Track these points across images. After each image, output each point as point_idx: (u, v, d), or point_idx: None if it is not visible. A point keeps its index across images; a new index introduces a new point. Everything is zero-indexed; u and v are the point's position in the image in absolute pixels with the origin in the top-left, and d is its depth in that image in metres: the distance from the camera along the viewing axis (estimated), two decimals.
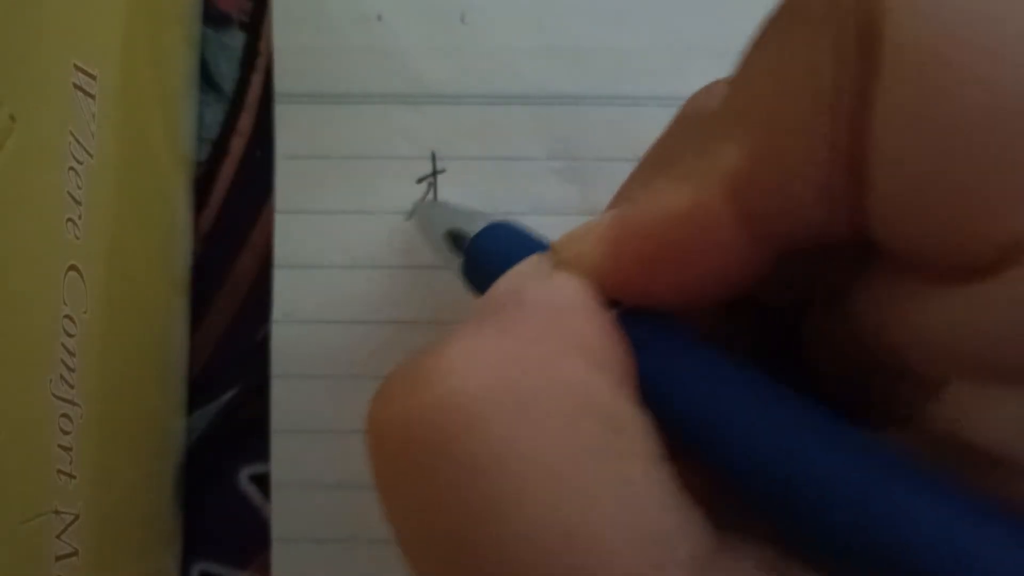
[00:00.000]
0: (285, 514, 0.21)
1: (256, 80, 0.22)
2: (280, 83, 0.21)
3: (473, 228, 0.16)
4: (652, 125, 0.21)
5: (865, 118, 0.08)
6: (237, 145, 0.22)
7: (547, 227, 0.21)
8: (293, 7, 0.21)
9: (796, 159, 0.09)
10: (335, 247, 0.21)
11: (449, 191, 0.21)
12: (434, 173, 0.21)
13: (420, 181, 0.21)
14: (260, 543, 0.21)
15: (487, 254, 0.15)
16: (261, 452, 0.21)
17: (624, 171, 0.21)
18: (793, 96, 0.09)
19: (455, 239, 0.16)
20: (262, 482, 0.21)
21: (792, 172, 0.09)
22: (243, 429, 0.21)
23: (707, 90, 0.13)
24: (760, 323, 0.12)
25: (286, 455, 0.21)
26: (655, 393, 0.10)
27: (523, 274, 0.11)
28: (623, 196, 0.14)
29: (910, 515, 0.08)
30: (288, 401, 0.21)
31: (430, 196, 0.21)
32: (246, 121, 0.22)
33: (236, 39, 0.22)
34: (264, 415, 0.21)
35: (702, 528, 0.09)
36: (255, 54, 0.22)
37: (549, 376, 0.09)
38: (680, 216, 0.10)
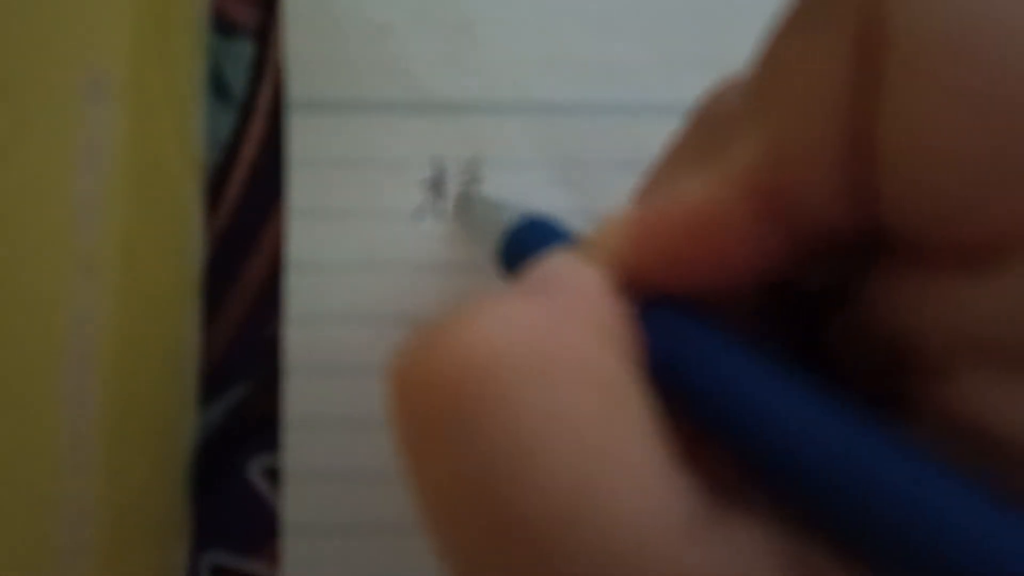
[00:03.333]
0: (296, 505, 0.21)
1: (266, 87, 0.22)
2: (293, 91, 0.22)
3: (509, 222, 0.17)
4: (652, 134, 0.22)
5: (874, 108, 0.09)
6: (247, 151, 0.22)
7: None
8: (305, 17, 0.22)
9: (812, 151, 0.09)
10: (347, 248, 0.22)
11: (453, 196, 0.22)
12: (440, 180, 0.22)
13: (428, 187, 0.22)
14: (269, 534, 0.22)
15: (521, 247, 0.16)
16: (270, 446, 0.22)
17: (624, 179, 0.21)
18: (806, 91, 0.09)
19: (493, 232, 0.17)
20: (272, 477, 0.22)
21: (808, 163, 0.09)
22: (253, 424, 0.22)
23: (720, 89, 0.13)
24: (794, 315, 0.13)
25: (298, 448, 0.21)
26: (672, 376, 0.10)
27: (549, 263, 0.12)
28: (644, 193, 0.14)
29: (918, 498, 0.08)
30: (300, 395, 0.21)
31: (469, 190, 0.21)
32: (256, 127, 0.22)
33: (245, 47, 0.22)
34: (273, 410, 0.22)
35: (703, 496, 0.09)
36: (265, 61, 0.22)
37: (562, 341, 0.09)
38: (699, 208, 0.10)
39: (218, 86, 0.22)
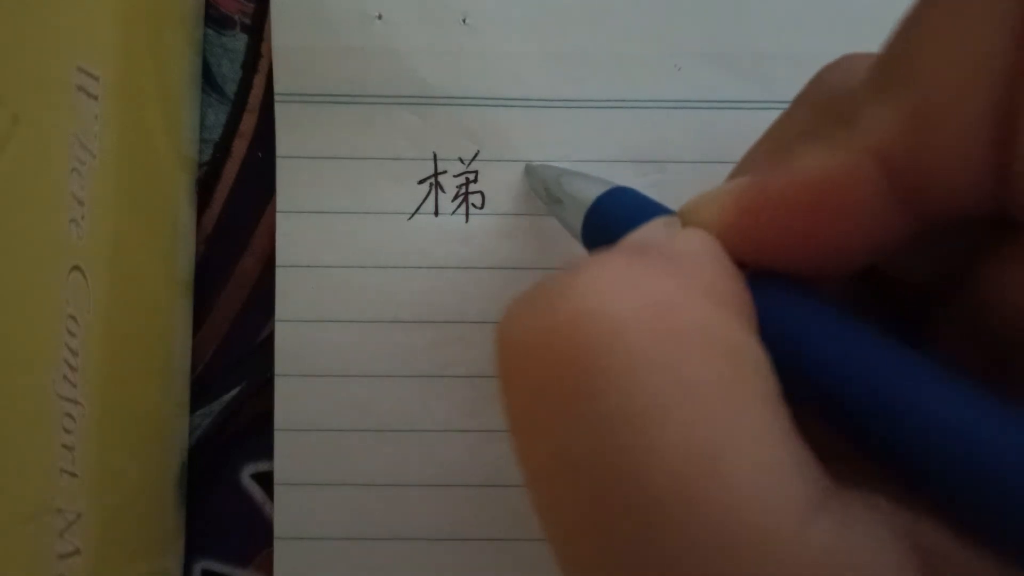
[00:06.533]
0: (288, 512, 0.21)
1: (258, 81, 0.22)
2: (280, 83, 0.21)
3: (595, 192, 0.16)
4: (651, 128, 0.21)
5: None
6: (239, 146, 0.22)
7: (547, 227, 0.21)
8: (292, 7, 0.21)
9: (955, 130, 0.09)
10: (337, 247, 0.21)
11: (449, 193, 0.21)
12: (436, 174, 0.21)
13: (421, 182, 0.21)
14: (262, 541, 0.21)
15: (610, 217, 0.15)
16: (263, 450, 0.21)
17: (623, 173, 0.21)
18: (957, 66, 0.09)
19: (578, 202, 0.16)
20: (265, 480, 0.21)
21: (949, 142, 0.09)
22: (245, 428, 0.22)
23: (836, 66, 0.13)
24: (889, 302, 0.12)
25: (289, 454, 0.21)
26: (780, 351, 0.10)
27: (652, 229, 0.11)
28: (745, 167, 0.14)
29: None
30: (291, 400, 0.21)
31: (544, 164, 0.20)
32: (248, 122, 0.22)
33: (238, 41, 0.22)
34: (266, 414, 0.21)
35: (817, 471, 0.09)
36: (257, 55, 0.22)
37: (686, 307, 0.09)
38: (820, 181, 0.10)
39: (209, 80, 0.22)
